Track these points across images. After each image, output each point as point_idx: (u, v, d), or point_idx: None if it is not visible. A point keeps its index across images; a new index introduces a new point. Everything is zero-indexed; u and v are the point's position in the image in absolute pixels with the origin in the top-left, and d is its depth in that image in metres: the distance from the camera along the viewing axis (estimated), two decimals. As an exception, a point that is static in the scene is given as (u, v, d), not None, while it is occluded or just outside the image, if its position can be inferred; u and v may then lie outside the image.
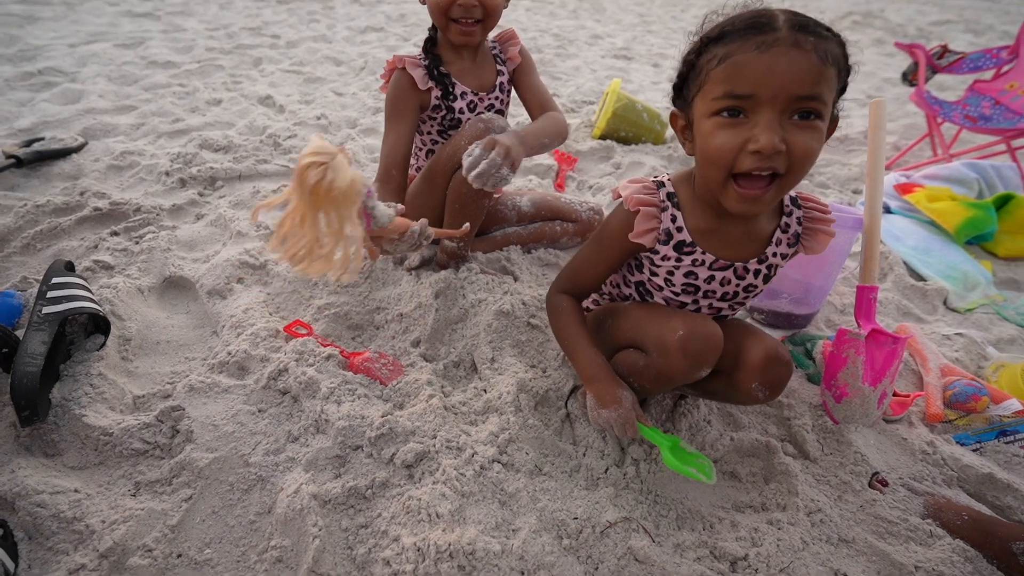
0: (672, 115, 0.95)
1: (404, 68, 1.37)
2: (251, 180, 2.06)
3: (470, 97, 1.42)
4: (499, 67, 1.48)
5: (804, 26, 0.77)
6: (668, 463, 0.97)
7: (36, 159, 1.99)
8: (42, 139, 2.14)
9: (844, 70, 0.81)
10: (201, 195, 1.95)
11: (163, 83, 2.97)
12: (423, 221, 1.14)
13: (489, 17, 1.33)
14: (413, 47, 4.15)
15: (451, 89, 1.40)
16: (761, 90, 0.77)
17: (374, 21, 4.98)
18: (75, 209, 1.75)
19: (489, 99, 1.46)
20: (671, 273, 1.00)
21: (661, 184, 0.99)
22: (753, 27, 0.78)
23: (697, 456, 1.00)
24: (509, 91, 1.52)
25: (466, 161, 1.18)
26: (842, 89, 0.84)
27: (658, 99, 3.32)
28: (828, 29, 0.79)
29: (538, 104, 1.49)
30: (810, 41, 0.76)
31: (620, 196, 1.00)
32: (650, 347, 0.97)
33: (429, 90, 1.39)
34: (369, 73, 3.46)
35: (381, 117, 2.74)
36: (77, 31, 3.82)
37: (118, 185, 1.96)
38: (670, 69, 4.17)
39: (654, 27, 5.88)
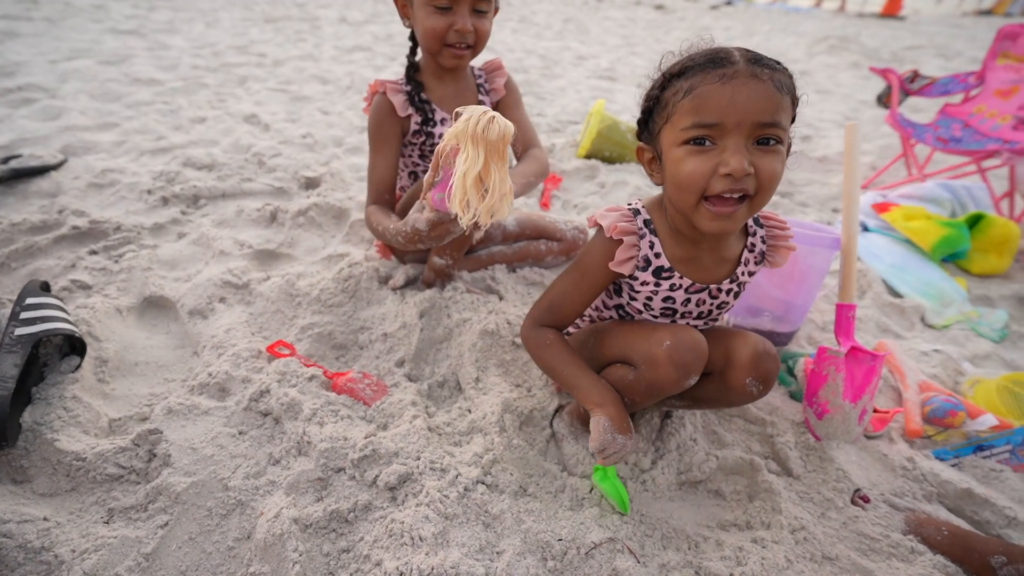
0: (639, 149, 0.98)
1: (385, 93, 1.39)
2: (235, 198, 2.05)
3: (451, 123, 1.43)
4: (481, 97, 1.49)
5: (758, 60, 0.84)
6: (598, 478, 1.04)
7: (12, 176, 1.96)
8: (19, 156, 2.10)
9: (795, 100, 0.87)
10: (184, 213, 1.93)
11: (146, 100, 2.95)
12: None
13: (479, 42, 1.35)
14: (400, 67, 4.18)
15: (431, 116, 1.41)
16: (726, 119, 0.82)
17: (361, 40, 5.02)
18: (52, 227, 1.72)
19: None
20: (650, 298, 1.03)
21: (637, 211, 1.01)
22: (712, 61, 0.84)
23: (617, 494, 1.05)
24: None
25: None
26: (792, 118, 0.89)
27: (641, 119, 3.38)
28: (778, 63, 0.85)
29: (522, 141, 1.51)
30: (765, 72, 0.82)
31: (597, 224, 1.01)
32: (638, 360, 0.98)
33: (409, 116, 1.40)
34: (355, 92, 3.48)
35: (367, 136, 2.75)
36: (59, 47, 3.80)
37: (98, 203, 1.93)
38: (653, 90, 4.26)
39: (638, 49, 6.01)
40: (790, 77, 0.86)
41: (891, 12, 11.37)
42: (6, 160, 2.05)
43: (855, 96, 4.41)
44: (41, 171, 2.04)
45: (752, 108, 0.81)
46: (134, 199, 1.96)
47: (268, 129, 2.74)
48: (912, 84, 2.72)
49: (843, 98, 4.37)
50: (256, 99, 3.19)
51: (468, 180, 0.96)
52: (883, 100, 2.81)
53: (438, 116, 1.42)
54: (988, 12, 12.79)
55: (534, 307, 1.10)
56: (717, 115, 0.82)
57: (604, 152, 2.65)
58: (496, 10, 1.39)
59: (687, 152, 0.86)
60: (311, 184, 2.20)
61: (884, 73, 2.79)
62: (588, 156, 2.68)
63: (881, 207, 2.15)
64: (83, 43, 4.00)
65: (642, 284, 1.02)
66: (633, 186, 2.39)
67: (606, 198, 2.29)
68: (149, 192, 1.98)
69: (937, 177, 2.54)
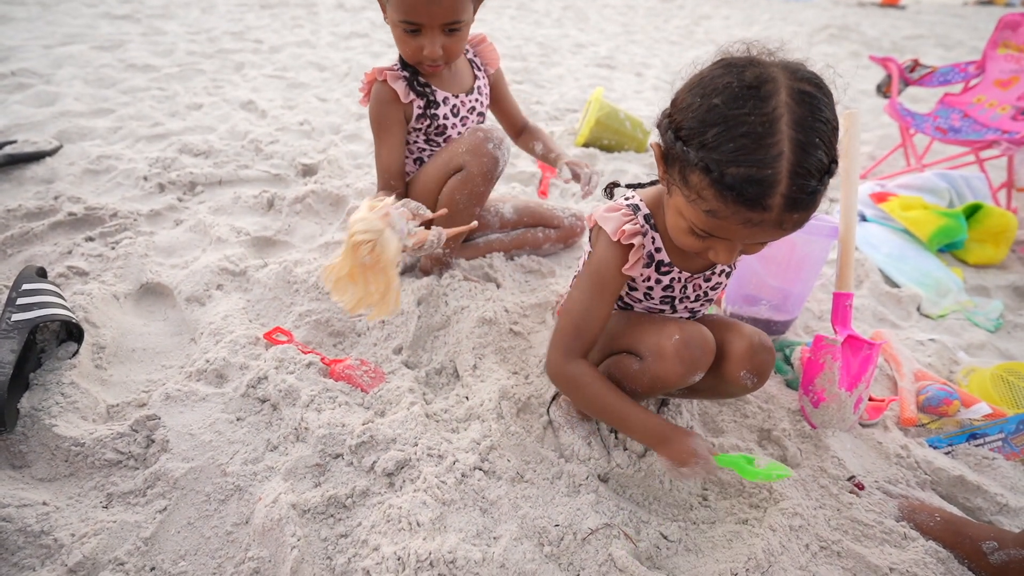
0: (655, 144, 0.87)
1: (385, 81, 1.37)
2: (232, 185, 2.03)
3: (452, 101, 1.42)
4: (476, 72, 1.49)
5: (796, 203, 0.73)
6: (749, 477, 0.93)
7: (7, 162, 1.94)
8: (14, 142, 2.09)
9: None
10: (180, 200, 1.92)
11: (142, 87, 2.92)
12: (438, 229, 1.20)
13: (450, 60, 1.34)
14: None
15: (433, 98, 1.40)
16: (733, 239, 0.82)
17: (359, 27, 4.97)
18: (48, 214, 1.71)
19: (470, 101, 1.46)
20: (651, 288, 1.04)
21: (636, 207, 0.99)
22: (747, 200, 0.73)
23: (770, 466, 0.94)
24: (488, 94, 1.52)
25: (577, 179, 1.47)
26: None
27: (640, 108, 3.36)
28: (821, 180, 0.74)
29: (517, 116, 1.59)
30: (793, 219, 0.76)
31: (598, 226, 1.00)
32: (645, 353, 0.98)
33: (412, 102, 1.39)
34: (353, 79, 3.45)
35: (364, 123, 2.73)
36: (53, 32, 3.75)
37: (94, 190, 1.92)
38: (653, 78, 4.23)
39: (637, 37, 5.96)
40: (827, 184, 0.75)
41: (892, 1, 11.29)
42: (1, 146, 2.03)
43: (854, 86, 4.39)
44: (36, 157, 2.02)
45: (760, 240, 0.82)
46: (130, 186, 1.95)
47: (265, 116, 2.72)
48: (912, 73, 2.71)
49: (842, 88, 4.33)
50: (253, 86, 3.17)
51: (330, 276, 1.06)
52: (883, 90, 2.80)
53: (439, 96, 1.41)
54: (988, 2, 12.70)
55: (558, 337, 1.02)
56: (725, 236, 0.81)
57: (602, 140, 2.64)
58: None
59: (689, 230, 0.84)
60: (308, 171, 2.19)
61: (884, 62, 2.78)
62: (586, 144, 2.66)
63: (879, 197, 2.15)
64: (77, 28, 3.95)
65: (644, 280, 1.02)
66: (631, 175, 2.39)
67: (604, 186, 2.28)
68: (145, 179, 1.97)
69: (936, 167, 2.53)
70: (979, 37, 6.87)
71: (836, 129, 0.76)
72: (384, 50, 4.26)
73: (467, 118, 1.46)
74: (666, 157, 0.84)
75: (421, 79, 1.39)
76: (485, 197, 1.43)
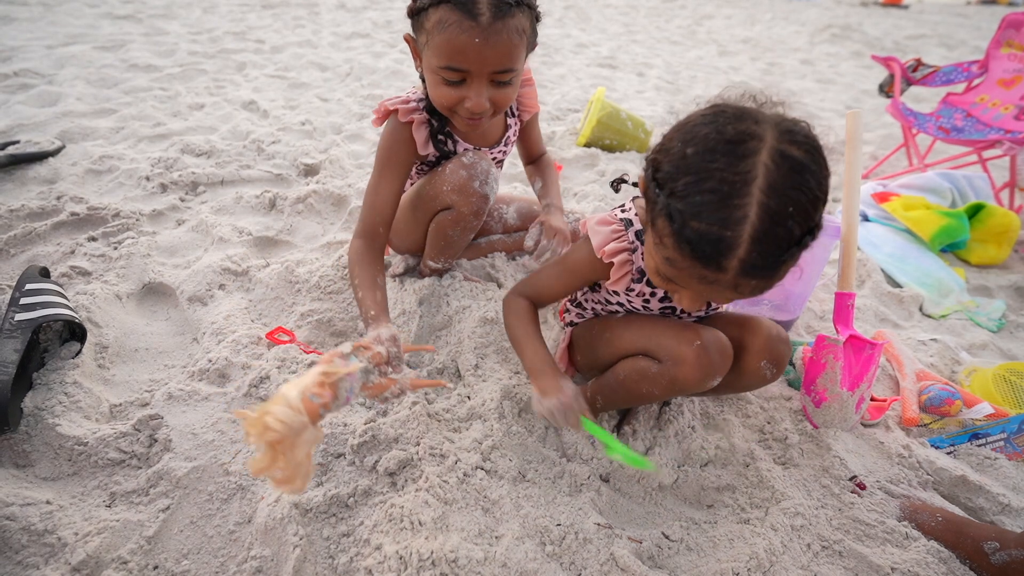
0: (640, 177, 0.87)
1: (410, 123, 1.22)
2: (234, 185, 2.04)
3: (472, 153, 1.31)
4: (509, 119, 1.38)
5: (753, 270, 0.72)
6: (610, 453, 0.93)
7: (10, 163, 1.95)
8: (16, 142, 2.09)
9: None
10: (182, 200, 1.92)
11: (144, 87, 2.93)
12: (405, 379, 0.93)
13: (499, 110, 1.14)
14: (400, 54, 4.14)
15: (452, 150, 1.30)
16: (691, 288, 0.81)
17: (360, 27, 4.98)
18: (51, 214, 1.72)
19: (493, 153, 1.38)
20: (647, 300, 1.04)
21: (629, 222, 0.98)
22: (701, 257, 0.72)
23: (634, 454, 0.93)
24: (514, 141, 1.43)
25: (534, 250, 1.36)
26: None
27: (642, 108, 3.36)
28: (788, 251, 0.72)
29: (536, 150, 1.55)
30: (751, 284, 0.75)
31: (587, 231, 1.00)
32: (664, 356, 0.97)
33: (428, 152, 1.28)
34: (354, 79, 3.46)
35: (366, 123, 2.73)
36: (55, 32, 3.76)
37: (96, 190, 1.92)
38: (655, 78, 4.23)
39: (639, 36, 5.95)
40: (806, 244, 0.74)
41: (894, 1, 11.26)
42: (4, 146, 2.03)
43: (856, 85, 4.38)
44: (39, 157, 2.02)
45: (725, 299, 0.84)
46: (132, 186, 1.96)
47: (267, 116, 2.72)
48: (915, 73, 2.71)
49: (845, 87, 4.34)
50: (254, 86, 3.17)
51: (255, 467, 0.74)
52: (885, 89, 2.79)
53: (460, 147, 1.31)
54: (992, 1, 12.67)
55: (520, 282, 1.14)
56: (682, 284, 0.82)
57: (604, 140, 2.64)
58: (533, 47, 1.13)
59: (657, 272, 0.85)
60: (310, 171, 2.19)
61: (886, 62, 2.77)
62: (588, 144, 2.66)
63: (881, 197, 2.15)
64: (79, 28, 3.96)
65: (638, 295, 1.03)
66: (633, 175, 2.38)
67: (606, 186, 2.28)
68: (147, 179, 1.98)
69: (938, 167, 2.53)
70: (982, 36, 6.86)
71: (819, 200, 0.72)
72: (385, 50, 4.26)
73: None
74: (645, 194, 0.83)
75: (446, 130, 1.25)
76: (477, 228, 1.38)
